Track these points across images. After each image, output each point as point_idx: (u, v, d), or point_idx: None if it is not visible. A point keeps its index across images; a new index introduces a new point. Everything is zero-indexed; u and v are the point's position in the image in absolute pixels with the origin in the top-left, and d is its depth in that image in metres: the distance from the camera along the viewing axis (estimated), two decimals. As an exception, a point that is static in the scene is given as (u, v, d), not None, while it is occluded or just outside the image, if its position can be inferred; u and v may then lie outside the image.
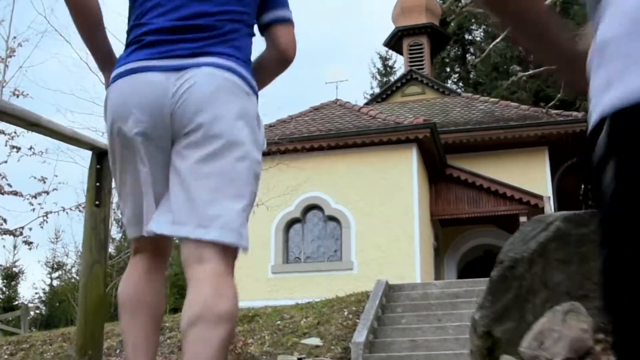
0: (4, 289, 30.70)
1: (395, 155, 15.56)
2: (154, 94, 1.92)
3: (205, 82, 1.91)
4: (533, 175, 17.57)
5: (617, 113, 0.79)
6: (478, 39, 42.94)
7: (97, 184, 3.64)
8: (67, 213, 12.31)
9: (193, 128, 1.89)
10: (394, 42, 23.60)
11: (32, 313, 24.68)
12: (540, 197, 15.82)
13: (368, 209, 15.40)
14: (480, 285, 9.73)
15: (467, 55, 44.43)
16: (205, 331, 1.72)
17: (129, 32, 2.08)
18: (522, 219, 15.95)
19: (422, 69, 22.22)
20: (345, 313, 10.47)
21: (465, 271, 18.06)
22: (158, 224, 1.91)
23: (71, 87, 45.73)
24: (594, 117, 0.84)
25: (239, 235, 1.87)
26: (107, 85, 2.05)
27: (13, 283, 30.80)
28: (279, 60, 2.19)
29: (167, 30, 1.98)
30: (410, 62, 22.52)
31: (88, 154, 3.75)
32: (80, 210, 12.31)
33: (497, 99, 20.47)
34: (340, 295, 13.88)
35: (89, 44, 2.15)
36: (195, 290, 1.79)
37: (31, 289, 29.76)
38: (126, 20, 2.12)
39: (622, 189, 0.77)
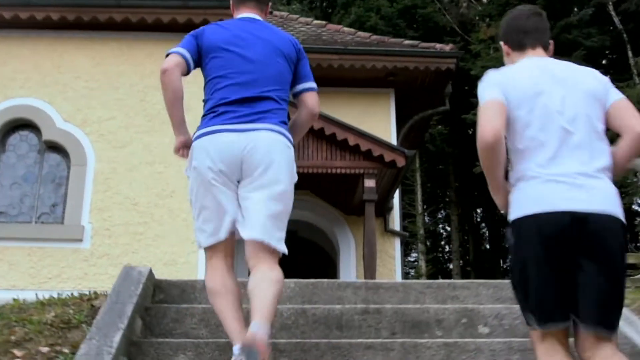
0: None
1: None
2: (230, 147, 3.11)
3: (264, 140, 3.13)
4: (375, 120, 12.03)
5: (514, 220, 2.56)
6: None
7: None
8: None
9: (259, 172, 3.10)
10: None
11: None
12: (401, 153, 10.16)
13: (124, 138, 8.73)
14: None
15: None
16: (269, 284, 3.00)
17: (205, 102, 3.28)
18: (369, 182, 10.24)
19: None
20: (55, 338, 3.84)
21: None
22: (251, 232, 3.11)
23: None
24: (509, 217, 2.62)
25: (283, 247, 3.16)
26: (185, 141, 3.28)
27: None
28: (309, 116, 3.45)
29: (235, 104, 3.18)
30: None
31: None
32: None
33: (323, 22, 14.79)
34: (55, 287, 7.24)
35: (171, 112, 3.24)
36: (259, 268, 3.07)
37: None
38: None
39: (513, 248, 2.57)
